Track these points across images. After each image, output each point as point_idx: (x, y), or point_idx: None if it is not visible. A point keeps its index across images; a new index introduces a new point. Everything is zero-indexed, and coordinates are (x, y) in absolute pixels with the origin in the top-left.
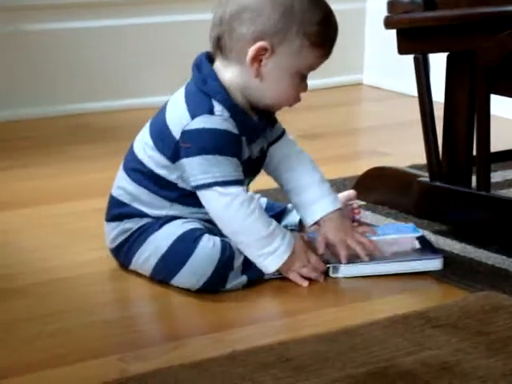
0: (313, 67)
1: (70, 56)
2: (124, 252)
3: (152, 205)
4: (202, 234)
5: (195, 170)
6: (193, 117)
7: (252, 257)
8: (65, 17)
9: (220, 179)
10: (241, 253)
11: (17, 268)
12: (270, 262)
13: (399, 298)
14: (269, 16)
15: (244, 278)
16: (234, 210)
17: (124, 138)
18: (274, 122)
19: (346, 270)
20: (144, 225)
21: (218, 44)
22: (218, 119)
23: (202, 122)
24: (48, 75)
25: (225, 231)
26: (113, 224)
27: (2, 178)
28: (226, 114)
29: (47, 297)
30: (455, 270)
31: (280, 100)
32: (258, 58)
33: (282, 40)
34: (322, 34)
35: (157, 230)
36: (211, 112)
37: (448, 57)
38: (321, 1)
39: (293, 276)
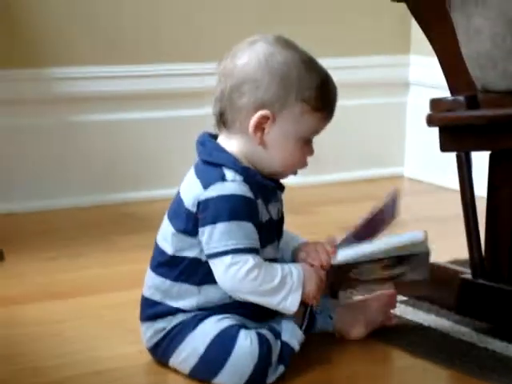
0: (317, 131)
1: (116, 146)
2: (161, 351)
3: (181, 295)
4: (238, 331)
5: (210, 238)
6: (205, 187)
7: (272, 307)
8: (110, 108)
9: (231, 247)
10: (276, 343)
11: (53, 361)
12: (291, 301)
13: None
14: (267, 85)
15: (281, 368)
16: (239, 280)
17: None
18: (283, 187)
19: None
20: (178, 324)
21: (222, 119)
22: (232, 185)
23: (216, 189)
24: (94, 164)
25: (236, 297)
26: (147, 324)
27: (49, 268)
28: (239, 177)
29: None
30: (497, 370)
31: (286, 166)
32: (260, 127)
33: (282, 107)
34: (321, 98)
35: (192, 329)
36: (223, 179)
37: (491, 154)
38: (317, 65)
39: (315, 299)
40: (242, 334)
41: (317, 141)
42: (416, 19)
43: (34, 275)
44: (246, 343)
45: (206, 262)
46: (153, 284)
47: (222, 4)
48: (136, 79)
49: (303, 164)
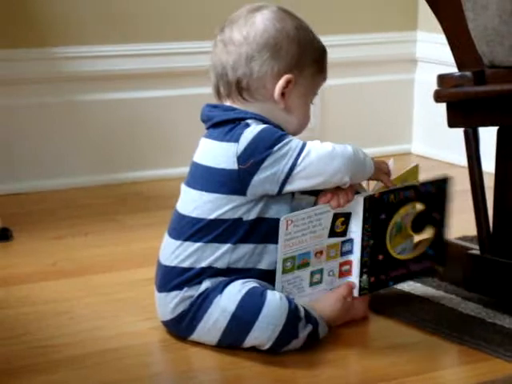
0: (317, 92)
1: (122, 124)
2: (187, 321)
3: (214, 255)
4: (265, 290)
5: (274, 167)
6: (236, 141)
7: (363, 171)
8: (116, 87)
9: (295, 152)
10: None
11: (65, 338)
12: (369, 161)
13: (449, 373)
14: (287, 50)
15: (310, 327)
16: (325, 154)
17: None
18: None
19: None
20: (204, 291)
21: (238, 87)
22: (258, 126)
23: (247, 136)
24: (101, 144)
25: (338, 179)
26: (172, 293)
27: (57, 247)
28: (260, 122)
29: (95, 368)
30: (506, 345)
31: (302, 125)
32: (282, 92)
33: (301, 70)
34: (325, 59)
35: (219, 293)
36: (247, 125)
37: (498, 130)
38: (311, 29)
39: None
40: (270, 291)
41: (325, 118)
42: None
43: (42, 254)
44: (276, 297)
45: (247, 222)
46: (183, 251)
47: None
48: (146, 57)
49: (309, 120)
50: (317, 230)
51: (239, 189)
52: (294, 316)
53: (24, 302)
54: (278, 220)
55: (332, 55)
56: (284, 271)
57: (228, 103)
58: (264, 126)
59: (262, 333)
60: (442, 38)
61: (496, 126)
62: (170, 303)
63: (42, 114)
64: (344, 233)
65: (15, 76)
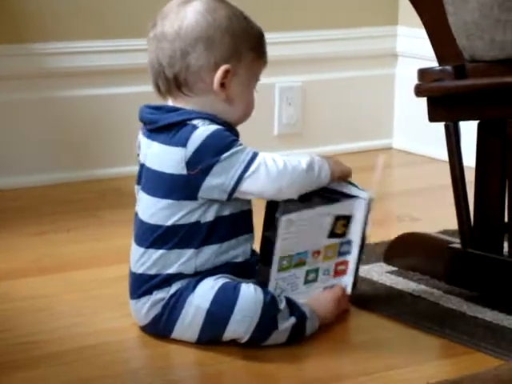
0: (259, 78)
1: (101, 120)
2: (163, 323)
3: (180, 261)
4: (238, 283)
5: (221, 177)
6: (184, 145)
7: (315, 184)
8: (94, 83)
9: (243, 165)
10: (281, 297)
11: (44, 335)
12: (324, 172)
13: (431, 366)
14: (221, 41)
15: (293, 319)
16: (274, 171)
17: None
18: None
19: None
20: (176, 292)
21: (176, 83)
22: (206, 127)
23: (196, 138)
24: (80, 140)
25: (285, 195)
26: (142, 299)
27: (38, 242)
28: (208, 122)
29: (74, 364)
30: (487, 338)
31: (247, 114)
32: (222, 83)
33: (238, 59)
34: (263, 44)
35: (191, 292)
36: (195, 128)
37: (479, 124)
38: (245, 15)
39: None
40: (244, 285)
41: (306, 113)
42: None
43: (21, 251)
44: (250, 290)
45: (205, 224)
46: (148, 259)
47: None
48: (123, 53)
49: (253, 108)
50: (316, 231)
51: (190, 194)
52: (271, 307)
53: (3, 299)
54: (238, 214)
55: (312, 50)
56: (280, 269)
57: (170, 100)
58: (212, 128)
59: (239, 326)
60: (422, 32)
61: (477, 120)
62: (141, 309)
63: (20, 110)
64: (343, 234)
65: None
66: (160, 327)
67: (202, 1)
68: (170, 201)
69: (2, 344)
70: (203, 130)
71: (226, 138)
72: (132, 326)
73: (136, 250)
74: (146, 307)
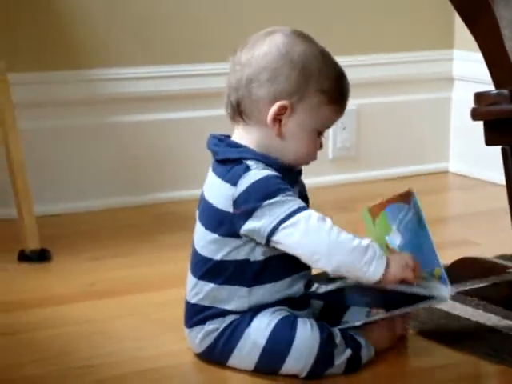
0: (329, 125)
1: (156, 145)
2: (217, 353)
3: (232, 298)
4: (295, 319)
5: (260, 222)
6: (235, 184)
7: (356, 270)
8: (150, 108)
9: (283, 215)
10: (336, 331)
11: (100, 359)
12: (375, 266)
13: None
14: (287, 76)
15: (348, 352)
16: (314, 231)
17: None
18: (301, 170)
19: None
20: (230, 323)
21: (238, 109)
22: (258, 170)
23: (246, 180)
24: (136, 164)
25: (319, 263)
26: (196, 328)
27: (94, 267)
28: (261, 165)
29: None
30: None
31: (300, 158)
32: (278, 118)
33: (300, 98)
34: (338, 90)
35: (248, 326)
36: (248, 169)
37: None
38: (333, 59)
39: (395, 279)
40: (300, 320)
41: (361, 137)
42: (458, 13)
43: (79, 275)
44: (307, 327)
45: (255, 262)
46: (200, 290)
47: (247, 4)
48: (179, 79)
49: (314, 157)
50: None
51: (233, 232)
52: (328, 344)
53: (60, 323)
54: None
55: (367, 74)
56: None
57: (239, 127)
58: (264, 173)
59: (296, 364)
60: (478, 56)
61: None
62: (195, 338)
63: (78, 136)
64: None
65: (52, 98)
66: (215, 356)
67: (285, 34)
68: (216, 236)
69: (62, 367)
70: (255, 173)
71: (275, 185)
72: (189, 349)
73: (190, 279)
74: (199, 337)
